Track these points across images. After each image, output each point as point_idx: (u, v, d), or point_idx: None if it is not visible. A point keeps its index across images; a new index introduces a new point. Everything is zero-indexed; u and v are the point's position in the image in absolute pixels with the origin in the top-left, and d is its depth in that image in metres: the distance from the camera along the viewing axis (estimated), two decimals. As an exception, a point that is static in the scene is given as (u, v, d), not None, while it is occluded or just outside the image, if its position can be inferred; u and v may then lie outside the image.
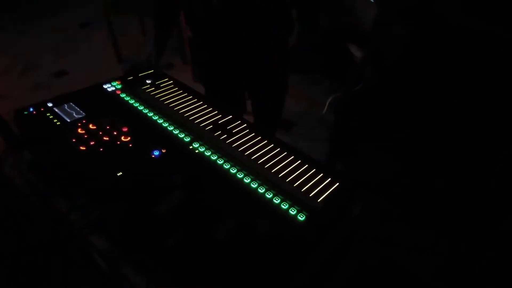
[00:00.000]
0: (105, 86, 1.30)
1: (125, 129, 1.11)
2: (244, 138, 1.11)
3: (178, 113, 1.20)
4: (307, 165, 1.03)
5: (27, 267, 1.27)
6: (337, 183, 0.99)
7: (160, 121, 1.16)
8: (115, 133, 1.09)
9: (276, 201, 0.92)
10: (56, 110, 1.17)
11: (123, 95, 1.26)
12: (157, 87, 1.32)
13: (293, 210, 0.90)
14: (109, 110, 1.19)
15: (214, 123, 1.17)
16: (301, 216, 0.90)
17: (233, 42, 1.54)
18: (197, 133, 1.12)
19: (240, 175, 0.99)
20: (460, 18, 1.87)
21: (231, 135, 1.13)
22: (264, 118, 1.97)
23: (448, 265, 1.58)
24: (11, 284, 1.28)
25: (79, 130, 1.09)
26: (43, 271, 1.19)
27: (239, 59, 1.62)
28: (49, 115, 1.14)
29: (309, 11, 1.62)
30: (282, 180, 0.98)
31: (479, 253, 1.52)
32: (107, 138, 1.07)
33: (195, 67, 1.77)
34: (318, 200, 0.94)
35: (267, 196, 0.94)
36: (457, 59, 1.77)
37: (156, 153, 1.03)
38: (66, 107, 1.18)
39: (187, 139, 1.10)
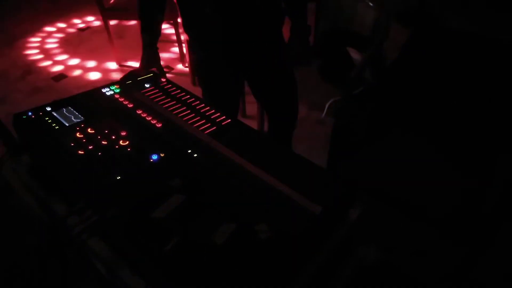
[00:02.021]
0: (103, 90, 1.30)
1: (123, 133, 1.10)
2: (242, 142, 1.11)
3: (177, 117, 1.20)
4: (306, 168, 1.03)
5: (25, 271, 1.27)
6: (337, 187, 0.99)
7: (159, 125, 1.16)
8: (113, 137, 1.09)
9: (275, 204, 0.92)
10: (55, 114, 1.17)
11: (121, 99, 1.26)
12: (156, 91, 1.32)
13: (292, 214, 0.90)
14: (107, 114, 1.19)
15: (213, 126, 1.17)
16: (300, 219, 0.89)
17: (227, 42, 1.60)
18: (196, 137, 1.12)
19: (238, 179, 0.98)
20: (458, 22, 1.88)
21: (229, 138, 1.12)
22: (277, 117, 2.00)
23: (449, 269, 1.58)
24: (9, 289, 1.28)
25: (78, 134, 1.09)
26: (41, 276, 1.18)
27: (235, 58, 1.68)
28: (47, 119, 1.14)
29: (297, 4, 1.67)
30: (280, 184, 0.98)
31: (480, 256, 1.52)
32: (106, 142, 1.07)
33: (193, 69, 1.83)
34: (317, 204, 0.93)
35: (266, 199, 0.93)
36: (456, 62, 1.77)
37: (155, 157, 1.03)
38: (64, 111, 1.18)
39: (186, 143, 1.09)
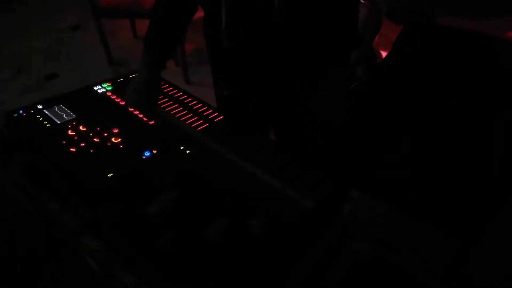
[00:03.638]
0: (95, 88, 1.30)
1: (115, 131, 1.10)
2: (235, 138, 1.12)
3: (169, 114, 1.20)
4: (299, 163, 1.04)
5: (19, 272, 1.26)
6: (329, 182, 0.99)
7: (151, 122, 1.15)
8: (105, 134, 1.09)
9: (268, 200, 0.93)
10: (46, 112, 1.16)
11: (113, 97, 1.26)
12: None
13: (284, 209, 0.91)
14: (99, 111, 1.19)
15: (205, 123, 1.17)
16: (293, 214, 0.90)
17: (252, 78, 1.33)
18: (188, 134, 1.12)
19: (231, 175, 0.99)
20: (450, 17, 1.88)
21: (222, 135, 1.13)
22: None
23: (444, 264, 1.59)
24: (2, 289, 1.27)
25: (70, 132, 1.09)
26: (36, 275, 1.18)
27: (261, 95, 1.39)
28: (39, 117, 1.14)
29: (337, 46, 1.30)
30: (273, 179, 0.98)
31: (475, 251, 1.53)
32: (98, 140, 1.07)
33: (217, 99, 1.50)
34: (310, 198, 0.94)
35: (259, 195, 0.94)
36: (448, 59, 1.78)
37: (147, 153, 1.03)
38: (56, 109, 1.18)
39: (178, 140, 1.09)
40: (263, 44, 1.20)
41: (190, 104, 1.25)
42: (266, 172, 1.00)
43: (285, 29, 1.17)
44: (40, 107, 1.18)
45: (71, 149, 1.03)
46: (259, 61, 1.26)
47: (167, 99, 1.27)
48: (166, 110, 1.21)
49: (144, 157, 1.02)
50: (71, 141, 1.06)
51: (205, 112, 1.22)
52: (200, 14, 1.28)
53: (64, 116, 1.15)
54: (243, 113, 1.37)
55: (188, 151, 1.06)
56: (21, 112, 1.15)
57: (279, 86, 1.34)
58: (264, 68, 1.28)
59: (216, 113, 1.22)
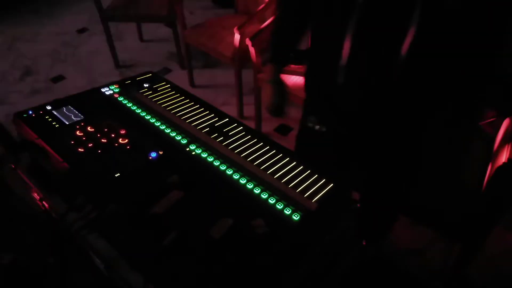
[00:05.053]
0: (103, 90, 1.32)
1: (122, 132, 1.12)
2: (240, 141, 1.13)
3: (175, 116, 1.22)
4: (302, 167, 1.05)
5: (25, 270, 1.28)
6: (332, 184, 1.01)
7: (157, 123, 1.17)
8: (112, 135, 1.11)
9: (272, 201, 0.94)
10: (55, 113, 1.18)
11: (120, 99, 1.28)
12: (154, 90, 1.34)
13: (288, 210, 0.92)
14: (107, 113, 1.21)
15: (211, 125, 1.19)
16: (296, 215, 0.91)
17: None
18: (194, 135, 1.14)
19: (236, 176, 1.00)
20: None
21: (227, 137, 1.14)
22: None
23: (445, 265, 1.59)
24: None
25: (78, 133, 1.11)
26: (42, 275, 1.19)
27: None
28: (48, 118, 1.16)
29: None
30: (277, 181, 1.00)
31: (474, 253, 1.54)
32: (105, 140, 1.09)
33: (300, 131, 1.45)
34: (313, 201, 0.95)
35: (263, 196, 0.95)
36: (448, 63, 1.78)
37: (153, 154, 1.05)
38: (64, 110, 1.20)
39: (184, 141, 1.11)
40: (381, 86, 1.12)
41: (195, 107, 1.27)
42: (270, 174, 1.02)
43: (409, 76, 1.09)
44: (49, 108, 1.20)
45: (79, 149, 1.05)
46: (369, 101, 1.17)
47: (173, 101, 1.29)
48: (172, 112, 1.23)
49: (150, 157, 1.04)
50: (79, 141, 1.08)
51: (210, 114, 1.24)
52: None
53: (72, 117, 1.17)
54: (328, 149, 1.34)
55: (193, 153, 1.07)
56: (30, 112, 1.18)
57: (383, 130, 1.26)
58: (372, 109, 1.19)
59: (220, 116, 1.24)
